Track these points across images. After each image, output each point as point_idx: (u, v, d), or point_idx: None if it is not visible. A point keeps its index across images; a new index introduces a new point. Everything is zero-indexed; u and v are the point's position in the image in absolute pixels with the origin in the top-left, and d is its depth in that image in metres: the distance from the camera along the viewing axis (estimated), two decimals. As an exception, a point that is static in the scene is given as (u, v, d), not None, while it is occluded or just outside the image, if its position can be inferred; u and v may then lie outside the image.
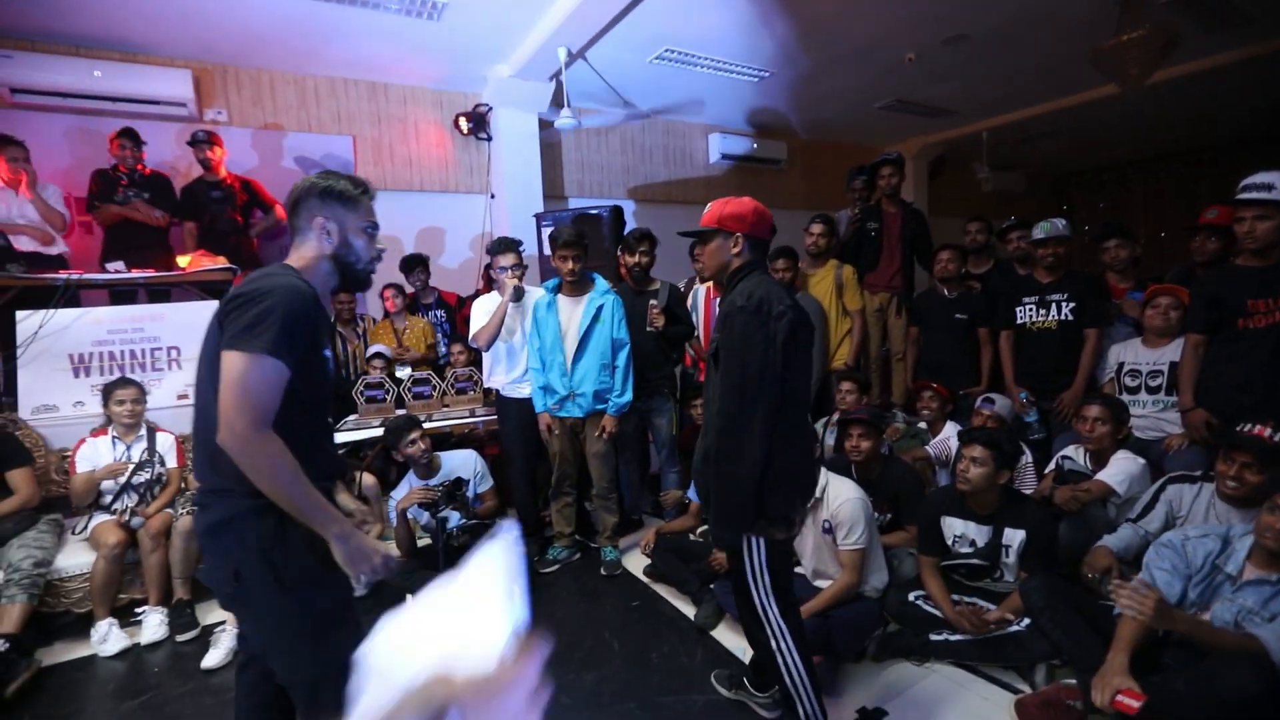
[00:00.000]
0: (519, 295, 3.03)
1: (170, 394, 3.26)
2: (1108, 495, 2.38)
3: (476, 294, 4.66)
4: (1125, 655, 1.68)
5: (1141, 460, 2.43)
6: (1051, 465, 2.65)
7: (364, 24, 3.82)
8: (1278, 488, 1.92)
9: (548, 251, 4.28)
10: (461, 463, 2.99)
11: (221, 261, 3.53)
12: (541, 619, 2.59)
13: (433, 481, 2.85)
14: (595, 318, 2.88)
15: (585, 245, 2.91)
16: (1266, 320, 2.29)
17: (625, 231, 4.35)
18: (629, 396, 2.99)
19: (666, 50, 4.48)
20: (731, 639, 2.40)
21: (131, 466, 2.72)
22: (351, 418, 3.56)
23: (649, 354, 3.29)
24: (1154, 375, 2.75)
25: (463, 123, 4.99)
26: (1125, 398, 2.79)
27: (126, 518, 2.64)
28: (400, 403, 3.65)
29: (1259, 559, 1.72)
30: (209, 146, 3.79)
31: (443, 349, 4.24)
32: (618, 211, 4.31)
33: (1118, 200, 9.39)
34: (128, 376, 2.94)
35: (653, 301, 3.29)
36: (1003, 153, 7.41)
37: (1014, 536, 2.23)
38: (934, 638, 2.18)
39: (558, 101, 4.47)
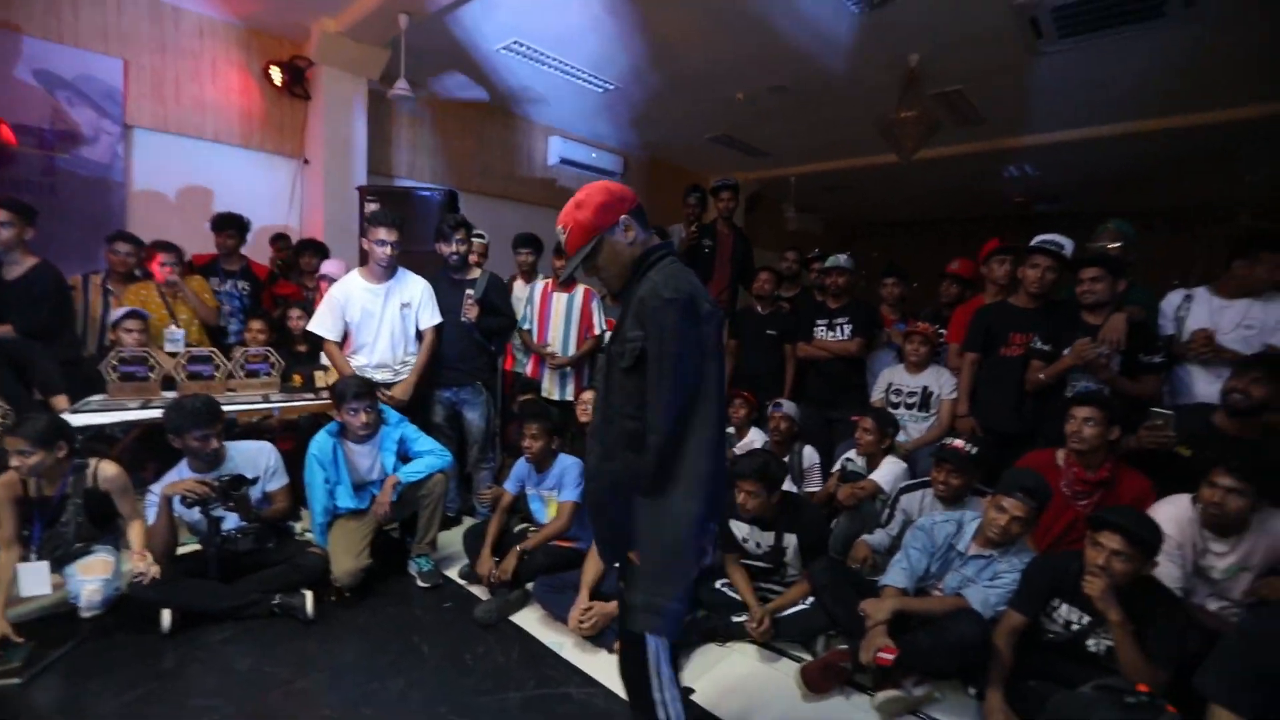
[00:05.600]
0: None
1: None
2: (877, 493, 2.82)
3: (272, 271, 4.11)
4: (885, 619, 2.01)
5: (904, 464, 2.92)
6: (836, 466, 3.07)
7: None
8: (978, 489, 2.50)
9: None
10: (250, 456, 2.59)
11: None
12: (343, 627, 2.35)
13: (210, 475, 2.42)
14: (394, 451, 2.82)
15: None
16: (1018, 351, 2.85)
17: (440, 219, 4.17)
18: (416, 477, 2.77)
19: (516, 42, 4.41)
20: (546, 633, 2.39)
21: None
22: (98, 397, 2.90)
23: (461, 345, 3.20)
24: (911, 395, 3.32)
25: (275, 73, 4.39)
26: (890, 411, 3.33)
27: None
28: (170, 383, 3.06)
29: (980, 540, 2.17)
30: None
31: (234, 325, 3.65)
32: (452, 197, 4.10)
33: (888, 250, 11.29)
34: None
35: (469, 292, 3.19)
36: (807, 197, 8.47)
37: (790, 541, 2.49)
38: (735, 619, 2.39)
39: (394, 71, 4.14)
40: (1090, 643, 1.90)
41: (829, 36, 4.08)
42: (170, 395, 2.98)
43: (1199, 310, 2.60)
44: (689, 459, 1.27)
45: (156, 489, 2.39)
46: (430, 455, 2.80)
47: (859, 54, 4.31)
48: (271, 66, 4.38)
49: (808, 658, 2.25)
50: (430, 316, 3.09)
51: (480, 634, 2.39)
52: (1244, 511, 1.90)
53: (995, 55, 4.17)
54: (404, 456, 2.83)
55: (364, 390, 2.72)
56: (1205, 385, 2.49)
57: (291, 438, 3.39)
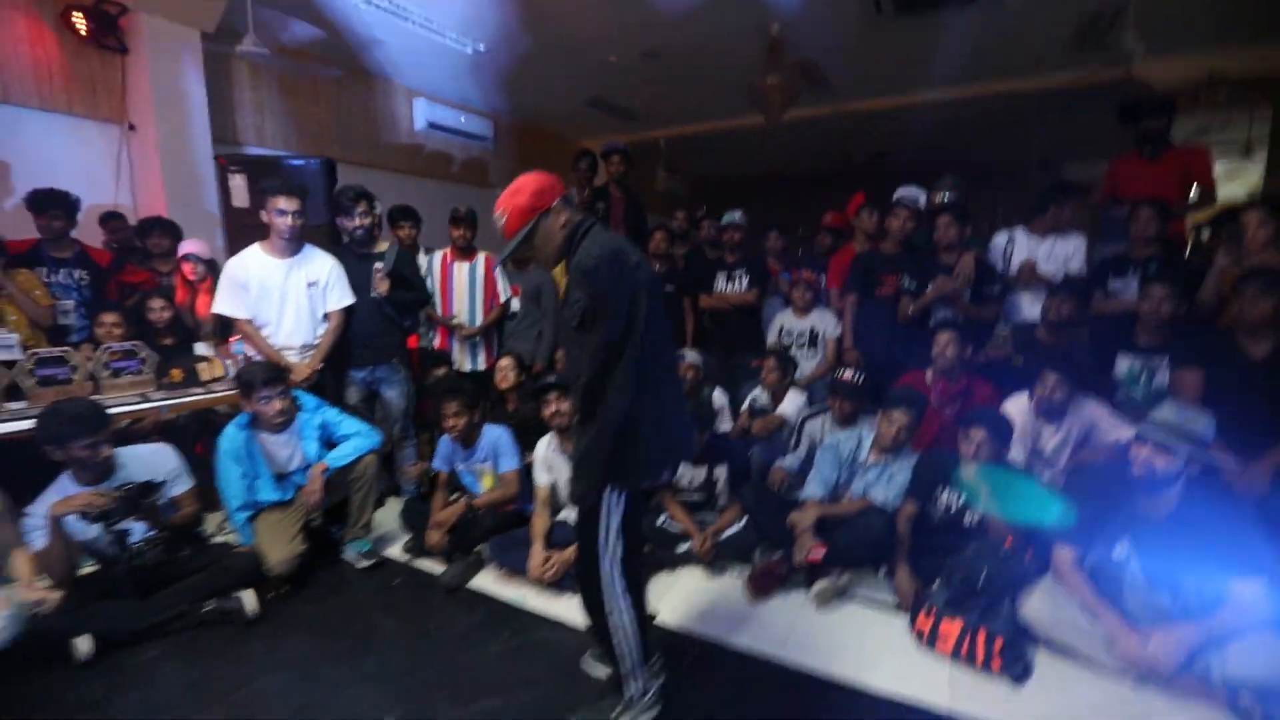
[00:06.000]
0: None
1: None
2: (784, 423, 3.18)
3: (117, 256, 3.58)
4: (811, 525, 2.35)
5: (804, 396, 3.30)
6: (745, 404, 3.39)
7: None
8: (870, 411, 2.90)
9: (237, 203, 3.58)
10: (148, 461, 2.34)
11: None
12: (288, 623, 2.26)
13: (105, 486, 2.17)
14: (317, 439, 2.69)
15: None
16: (889, 291, 3.27)
17: (336, 191, 3.89)
18: (345, 461, 2.67)
19: (380, -5, 4.10)
20: (505, 591, 2.48)
21: None
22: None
23: (374, 322, 3.08)
24: (801, 336, 3.73)
25: (79, 20, 3.71)
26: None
27: None
28: (14, 392, 2.62)
29: (876, 450, 2.58)
30: None
31: (77, 320, 3.15)
32: (329, 165, 3.81)
33: (750, 205, 11.98)
34: None
35: (377, 265, 3.06)
36: (675, 158, 8.75)
37: (721, 472, 2.79)
38: (679, 550, 2.63)
39: (231, 23, 3.68)
40: (966, 517, 2.37)
41: (699, 3, 4.25)
42: (15, 407, 2.57)
43: (1020, 247, 3.21)
44: (609, 393, 1.48)
45: (37, 510, 2.11)
46: (358, 437, 2.70)
47: (727, 21, 4.54)
48: (72, 12, 3.69)
49: (748, 570, 2.55)
50: (339, 297, 2.92)
51: (438, 604, 2.42)
52: (1064, 401, 2.45)
53: (843, 27, 4.61)
54: (329, 442, 2.71)
55: (274, 376, 2.55)
56: (1029, 307, 3.11)
57: (172, 441, 3.06)
